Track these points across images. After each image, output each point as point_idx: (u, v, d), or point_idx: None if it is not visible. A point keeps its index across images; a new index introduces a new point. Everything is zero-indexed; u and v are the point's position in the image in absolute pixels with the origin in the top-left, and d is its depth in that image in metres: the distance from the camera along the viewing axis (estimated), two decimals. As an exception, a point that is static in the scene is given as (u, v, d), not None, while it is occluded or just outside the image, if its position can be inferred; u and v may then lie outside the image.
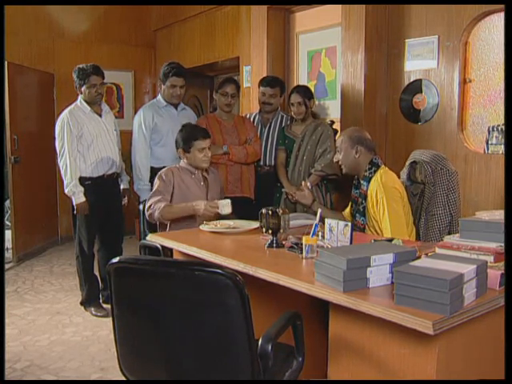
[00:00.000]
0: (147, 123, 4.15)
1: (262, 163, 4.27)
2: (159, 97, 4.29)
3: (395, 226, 2.97)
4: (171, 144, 4.15)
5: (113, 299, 1.89)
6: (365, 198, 3.13)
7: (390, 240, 2.47)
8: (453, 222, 3.20)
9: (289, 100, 4.13)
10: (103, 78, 4.14)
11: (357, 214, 3.21)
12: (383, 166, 3.18)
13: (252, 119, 4.40)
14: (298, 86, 4.32)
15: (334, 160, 3.35)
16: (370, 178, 3.11)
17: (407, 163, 3.37)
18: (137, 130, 4.19)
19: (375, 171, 3.12)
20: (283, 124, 4.30)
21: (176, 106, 4.28)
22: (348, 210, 3.42)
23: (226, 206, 3.14)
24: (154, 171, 4.10)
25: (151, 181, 4.09)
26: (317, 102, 4.47)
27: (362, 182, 3.17)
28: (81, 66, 4.10)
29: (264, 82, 4.31)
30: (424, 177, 3.19)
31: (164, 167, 4.02)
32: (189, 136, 3.44)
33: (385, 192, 3.01)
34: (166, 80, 4.16)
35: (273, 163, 4.25)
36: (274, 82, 4.28)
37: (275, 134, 4.27)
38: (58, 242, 6.75)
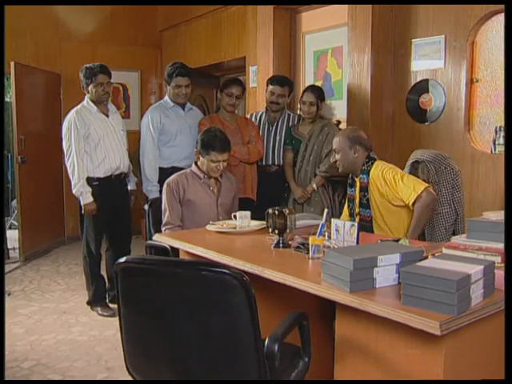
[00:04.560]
0: (155, 124, 4.14)
1: (270, 162, 4.25)
2: (166, 98, 4.28)
3: (415, 181, 3.00)
4: (179, 144, 4.16)
5: (120, 299, 1.89)
6: (366, 190, 3.15)
7: (397, 240, 2.47)
8: (458, 220, 3.22)
9: (301, 98, 4.10)
10: (110, 77, 4.15)
11: (361, 209, 3.23)
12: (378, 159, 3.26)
13: (258, 118, 4.38)
14: (313, 86, 4.26)
15: (331, 160, 3.38)
16: (369, 171, 3.17)
17: (408, 163, 3.38)
18: (145, 132, 4.19)
19: (372, 163, 3.18)
20: (290, 123, 4.28)
21: (183, 107, 4.27)
22: (345, 212, 3.43)
23: (244, 218, 3.06)
24: (162, 171, 4.11)
25: (160, 181, 4.09)
26: (328, 102, 4.47)
27: (360, 175, 3.21)
28: (88, 65, 4.11)
29: (274, 80, 4.27)
30: (427, 176, 3.20)
31: (172, 167, 4.05)
32: (208, 143, 3.35)
33: (391, 169, 3.09)
34: (170, 81, 4.15)
35: (281, 162, 4.23)
36: (284, 82, 4.26)
37: (282, 132, 4.25)
38: (65, 241, 6.78)
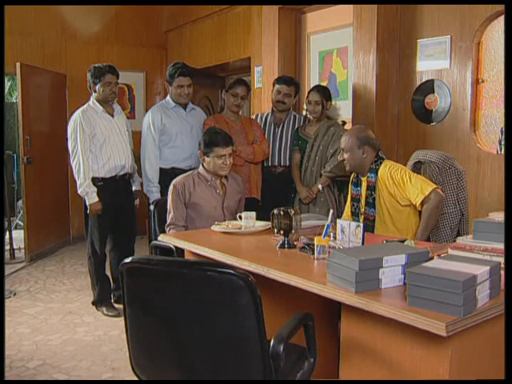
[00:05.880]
0: (156, 124, 4.15)
1: (276, 163, 4.26)
2: (168, 98, 4.27)
3: (423, 181, 3.01)
4: (180, 145, 4.16)
5: (125, 299, 1.90)
6: (373, 189, 3.15)
7: (403, 241, 2.47)
8: (463, 220, 3.22)
9: (307, 97, 4.11)
10: (118, 77, 4.17)
11: (366, 207, 3.23)
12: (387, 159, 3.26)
13: (264, 119, 4.38)
14: (319, 86, 4.28)
15: (339, 158, 3.38)
16: (377, 170, 3.17)
17: (410, 163, 3.37)
18: (146, 132, 4.19)
19: (381, 163, 3.19)
20: (296, 124, 4.28)
21: (185, 107, 4.28)
22: (347, 211, 3.42)
23: (249, 219, 3.06)
24: (163, 172, 4.11)
25: (160, 182, 4.09)
26: (333, 103, 4.45)
27: (368, 174, 3.21)
28: (96, 65, 4.13)
29: (280, 80, 4.29)
30: (430, 176, 3.20)
31: (173, 168, 4.06)
32: (210, 140, 3.37)
33: (400, 169, 3.10)
34: (172, 81, 4.15)
35: (287, 163, 4.24)
36: (291, 81, 4.27)
37: (288, 133, 4.26)
38: (70, 241, 6.79)
